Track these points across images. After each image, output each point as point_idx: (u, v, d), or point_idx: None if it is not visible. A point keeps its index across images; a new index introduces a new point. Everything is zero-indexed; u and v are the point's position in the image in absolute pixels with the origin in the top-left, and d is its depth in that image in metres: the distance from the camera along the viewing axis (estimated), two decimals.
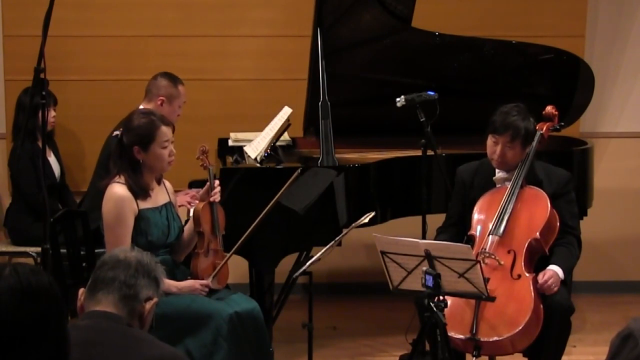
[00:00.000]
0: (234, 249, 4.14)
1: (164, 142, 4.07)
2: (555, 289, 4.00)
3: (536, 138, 4.33)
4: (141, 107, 5.30)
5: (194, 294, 4.06)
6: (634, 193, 6.50)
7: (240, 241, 4.13)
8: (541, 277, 4.01)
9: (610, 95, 6.40)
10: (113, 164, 4.11)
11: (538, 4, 6.29)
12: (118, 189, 4.02)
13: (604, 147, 6.38)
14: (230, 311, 3.95)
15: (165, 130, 4.08)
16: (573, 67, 5.60)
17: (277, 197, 4.21)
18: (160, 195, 4.17)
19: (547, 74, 5.63)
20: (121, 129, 4.15)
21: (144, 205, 4.06)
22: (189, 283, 4.09)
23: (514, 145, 4.21)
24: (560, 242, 4.20)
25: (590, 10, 6.31)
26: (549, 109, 4.52)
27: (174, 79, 5.31)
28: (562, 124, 4.58)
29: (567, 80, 5.63)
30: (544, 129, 4.42)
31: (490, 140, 4.27)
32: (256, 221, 4.15)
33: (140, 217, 4.03)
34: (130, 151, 4.05)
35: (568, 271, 4.16)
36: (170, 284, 4.00)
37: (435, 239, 4.22)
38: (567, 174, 4.34)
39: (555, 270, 4.05)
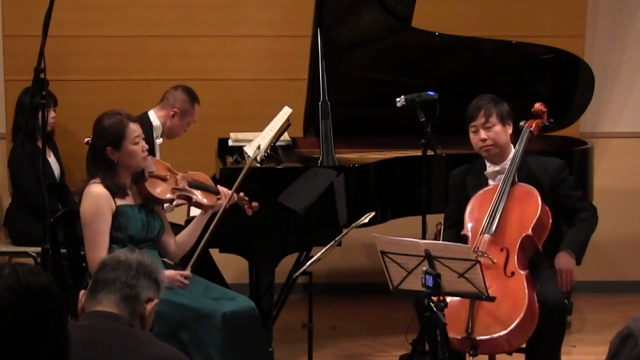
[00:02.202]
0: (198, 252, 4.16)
1: (134, 138, 4.09)
2: (572, 276, 4.09)
3: (525, 136, 4.35)
4: (152, 110, 5.33)
5: (173, 285, 4.02)
6: (634, 193, 6.50)
7: (195, 255, 4.14)
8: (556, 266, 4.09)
9: (610, 95, 6.40)
10: (88, 170, 4.14)
11: (538, 4, 6.29)
12: (95, 188, 4.06)
13: (604, 147, 6.37)
14: (225, 310, 3.96)
15: (133, 126, 4.11)
16: (573, 67, 5.60)
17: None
18: (138, 195, 4.19)
19: (547, 74, 5.63)
20: (91, 135, 4.17)
21: (122, 202, 4.09)
22: (169, 273, 4.07)
23: (491, 125, 4.27)
24: (573, 223, 4.28)
25: (590, 10, 6.31)
26: (537, 105, 4.53)
27: (193, 97, 5.36)
28: (552, 120, 4.57)
29: (567, 80, 5.63)
30: (533, 126, 4.43)
31: (471, 134, 4.33)
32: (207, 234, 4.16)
33: (118, 212, 4.06)
34: (103, 153, 4.08)
35: (580, 245, 4.24)
36: None
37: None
38: (559, 161, 4.35)
39: (565, 256, 4.13)
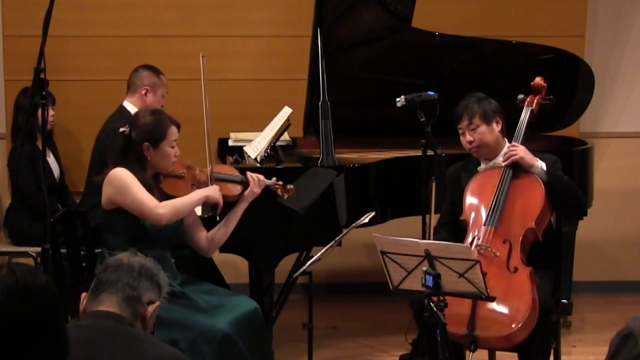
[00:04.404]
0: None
1: (172, 141, 4.10)
2: (516, 156, 4.16)
3: (527, 115, 4.36)
4: (125, 101, 5.35)
5: (216, 197, 4.10)
6: (634, 193, 6.50)
7: None
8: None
9: (610, 95, 6.40)
10: (115, 160, 4.10)
11: (538, 4, 6.29)
12: (119, 169, 4.03)
13: (604, 147, 6.38)
14: (226, 329, 3.92)
15: (174, 129, 4.12)
16: (573, 67, 5.60)
17: None
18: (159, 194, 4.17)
19: (547, 74, 5.61)
20: (127, 126, 4.14)
21: None
22: (213, 187, 4.15)
23: (475, 126, 4.28)
24: None
25: (590, 10, 6.31)
26: (538, 80, 4.54)
27: (154, 69, 5.42)
28: (551, 97, 4.56)
29: (567, 80, 5.63)
30: (534, 103, 4.43)
31: (460, 135, 4.34)
32: None
33: None
34: (139, 147, 4.06)
35: (559, 175, 4.21)
36: (195, 192, 4.11)
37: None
38: (553, 156, 4.35)
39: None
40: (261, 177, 4.26)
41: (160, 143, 4.07)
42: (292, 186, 4.32)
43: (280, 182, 4.31)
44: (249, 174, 4.26)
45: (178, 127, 4.15)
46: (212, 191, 4.14)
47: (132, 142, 4.07)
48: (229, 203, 4.24)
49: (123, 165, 4.05)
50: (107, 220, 4.11)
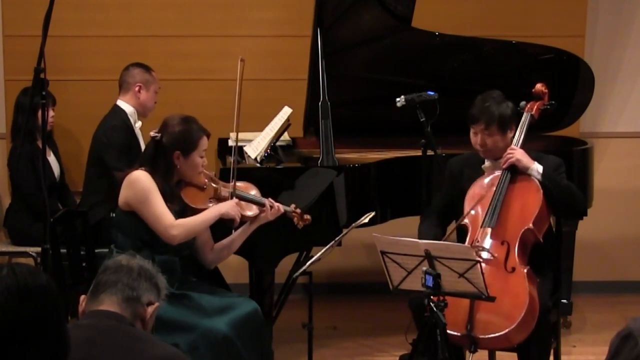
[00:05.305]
0: None
1: (202, 152, 4.09)
2: (512, 159, 4.16)
3: (527, 121, 4.35)
4: (119, 100, 5.38)
5: (232, 214, 4.06)
6: (634, 193, 6.50)
7: None
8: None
9: (610, 95, 6.40)
10: (142, 163, 4.08)
11: (538, 4, 6.29)
12: (141, 173, 4.01)
13: (604, 147, 6.37)
14: (227, 331, 3.91)
15: (205, 140, 4.11)
16: (573, 67, 5.60)
17: None
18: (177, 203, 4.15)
19: (547, 74, 5.62)
20: (159, 132, 4.11)
21: None
22: (229, 203, 4.10)
23: (490, 132, 4.25)
24: None
25: (590, 10, 6.31)
26: (539, 86, 4.53)
27: (145, 66, 5.47)
28: (553, 102, 4.56)
29: (567, 80, 5.63)
30: (534, 109, 4.43)
31: (471, 132, 4.33)
32: None
33: None
34: (170, 155, 4.04)
35: (555, 177, 4.19)
36: (210, 210, 4.05)
37: (419, 227, 4.33)
38: (557, 159, 4.35)
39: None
40: (280, 205, 4.23)
41: (191, 153, 4.05)
42: (309, 216, 4.28)
43: (298, 210, 4.28)
44: (269, 200, 4.22)
45: (208, 137, 4.14)
46: (228, 207, 4.09)
47: (164, 149, 4.05)
48: (241, 222, 4.22)
49: (150, 169, 4.03)
50: (121, 220, 4.10)
